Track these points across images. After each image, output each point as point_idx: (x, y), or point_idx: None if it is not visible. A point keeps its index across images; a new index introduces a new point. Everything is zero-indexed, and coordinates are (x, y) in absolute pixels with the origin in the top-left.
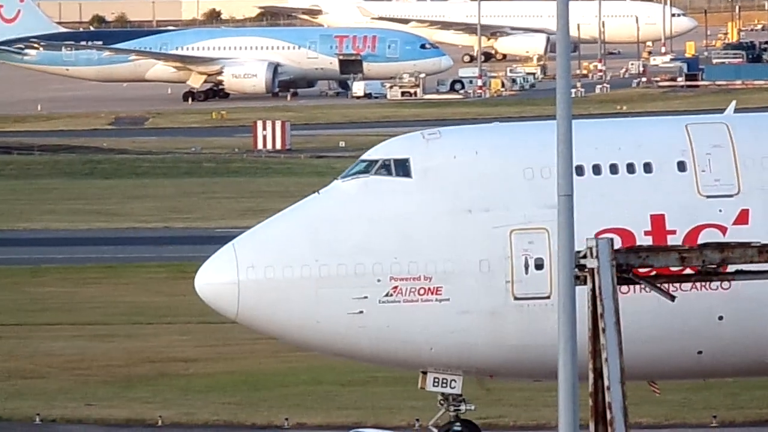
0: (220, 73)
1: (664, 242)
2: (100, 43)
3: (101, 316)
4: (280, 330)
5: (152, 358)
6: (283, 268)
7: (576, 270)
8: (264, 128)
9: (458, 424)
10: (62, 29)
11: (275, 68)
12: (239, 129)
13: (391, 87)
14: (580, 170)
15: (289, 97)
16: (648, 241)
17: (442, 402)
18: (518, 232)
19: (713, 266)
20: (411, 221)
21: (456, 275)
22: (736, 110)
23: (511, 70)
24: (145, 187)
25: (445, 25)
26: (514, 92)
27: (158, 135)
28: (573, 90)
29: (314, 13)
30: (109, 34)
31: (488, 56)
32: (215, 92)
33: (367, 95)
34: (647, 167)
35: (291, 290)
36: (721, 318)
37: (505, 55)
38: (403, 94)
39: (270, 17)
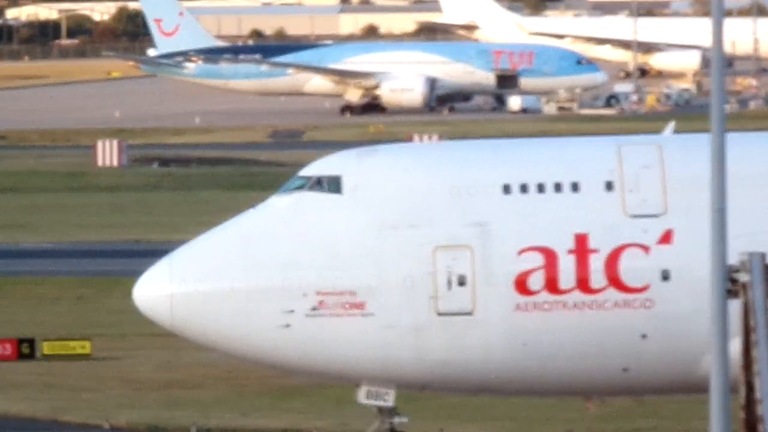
0: (377, 87)
1: (586, 261)
2: (259, 56)
3: None
4: (212, 341)
5: None
6: (214, 281)
7: (729, 284)
8: (420, 142)
9: None
10: (221, 43)
11: (432, 83)
12: (396, 143)
13: (547, 102)
14: (507, 189)
15: (445, 112)
16: (571, 259)
17: (377, 415)
18: (442, 249)
19: None
20: (338, 237)
21: (380, 290)
22: None
23: (666, 86)
24: None
25: (601, 41)
26: (669, 108)
27: (316, 148)
28: (727, 106)
29: (471, 28)
30: (267, 48)
31: (643, 72)
32: (372, 106)
33: (523, 110)
34: (574, 187)
35: (221, 303)
36: (644, 336)
37: (660, 71)
38: (559, 109)
39: (427, 33)
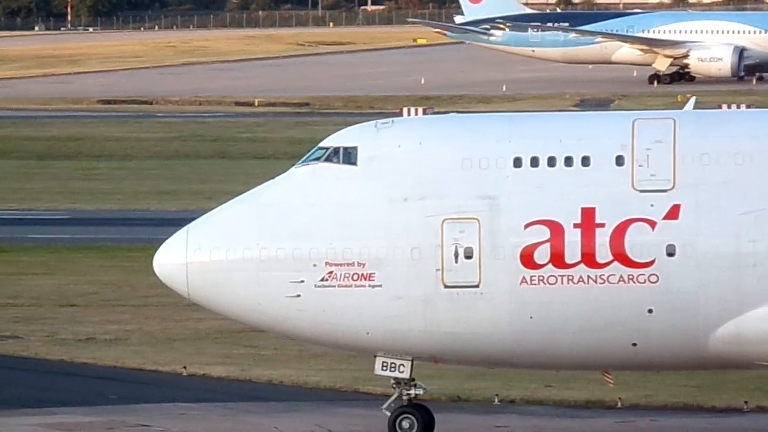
0: (686, 56)
1: (592, 235)
2: (567, 24)
3: None
4: (227, 310)
5: None
6: (227, 250)
7: None
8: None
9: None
10: (528, 10)
11: (741, 52)
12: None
13: None
14: (518, 162)
15: (754, 81)
16: (577, 233)
17: (394, 386)
18: (450, 221)
19: None
20: (350, 208)
21: (388, 262)
22: None
23: None
24: None
25: None
26: None
27: None
28: None
29: None
30: (575, 15)
31: None
32: (681, 75)
33: None
34: (585, 161)
35: (234, 272)
36: (651, 311)
37: None
38: None
39: (737, 1)
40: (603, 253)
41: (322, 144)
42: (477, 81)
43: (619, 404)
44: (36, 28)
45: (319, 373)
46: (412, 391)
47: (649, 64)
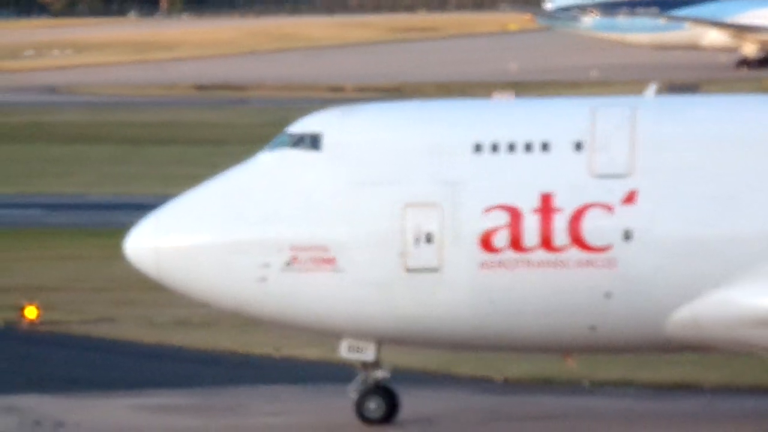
0: None
1: (550, 220)
2: (656, 10)
3: None
4: (196, 293)
5: None
6: (196, 234)
7: None
8: None
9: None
10: None
11: None
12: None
13: None
14: (478, 148)
15: None
16: (535, 219)
17: (361, 369)
18: (412, 207)
19: None
20: (314, 193)
21: (351, 246)
22: None
23: None
24: None
25: None
26: None
27: None
28: None
29: None
30: (664, 1)
31: None
32: None
33: None
34: (544, 146)
35: (202, 256)
36: (608, 295)
37: None
38: None
39: None
40: (561, 237)
41: (289, 131)
42: (566, 66)
43: (707, 386)
44: (131, 14)
45: (410, 355)
46: (378, 374)
47: (737, 49)
